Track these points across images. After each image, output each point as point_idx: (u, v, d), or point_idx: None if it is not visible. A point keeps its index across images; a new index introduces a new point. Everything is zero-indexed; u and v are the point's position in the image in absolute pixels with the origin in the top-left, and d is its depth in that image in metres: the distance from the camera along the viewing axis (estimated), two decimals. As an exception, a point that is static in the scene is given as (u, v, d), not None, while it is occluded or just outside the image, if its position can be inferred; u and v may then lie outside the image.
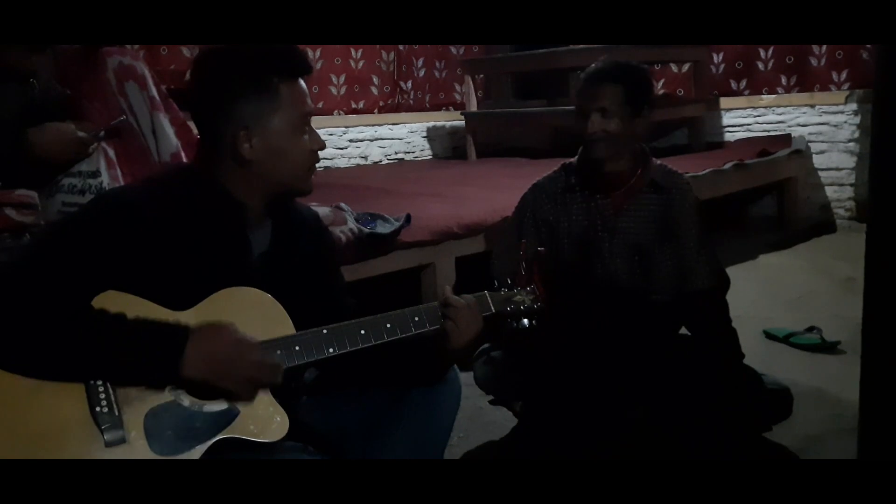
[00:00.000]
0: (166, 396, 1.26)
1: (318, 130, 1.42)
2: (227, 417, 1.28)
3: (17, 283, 1.22)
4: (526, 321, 1.56)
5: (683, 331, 2.21)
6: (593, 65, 2.09)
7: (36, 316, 1.20)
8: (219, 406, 1.28)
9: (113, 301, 1.26)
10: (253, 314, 1.34)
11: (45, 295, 1.21)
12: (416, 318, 1.44)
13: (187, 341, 1.23)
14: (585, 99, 2.04)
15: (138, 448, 1.23)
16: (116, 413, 1.23)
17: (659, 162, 2.16)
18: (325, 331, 1.37)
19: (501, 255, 2.26)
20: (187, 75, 1.43)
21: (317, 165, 1.44)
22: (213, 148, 1.37)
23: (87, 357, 1.22)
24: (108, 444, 1.21)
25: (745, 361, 2.16)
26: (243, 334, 1.28)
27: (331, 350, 1.36)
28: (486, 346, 2.21)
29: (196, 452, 1.25)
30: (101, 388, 1.23)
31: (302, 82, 1.39)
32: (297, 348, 1.34)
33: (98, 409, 1.22)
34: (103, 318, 1.22)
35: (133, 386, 1.25)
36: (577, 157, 2.15)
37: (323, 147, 1.43)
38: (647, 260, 2.10)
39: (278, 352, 1.33)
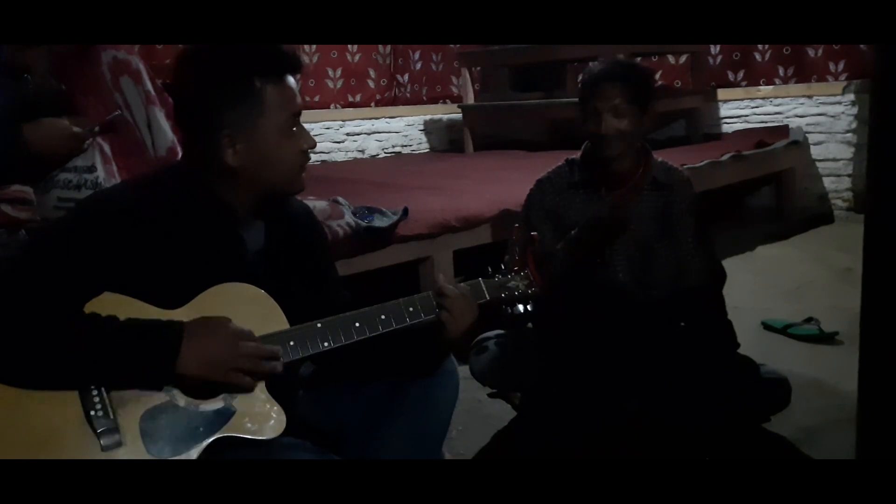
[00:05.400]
0: (161, 397, 1.26)
1: (314, 124, 1.41)
2: (224, 416, 1.27)
3: (6, 293, 1.21)
4: (521, 307, 1.55)
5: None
6: (596, 64, 2.12)
7: (28, 326, 1.19)
8: (215, 405, 1.28)
9: (106, 303, 1.25)
10: (246, 310, 1.32)
11: (36, 303, 1.20)
12: (411, 309, 1.43)
13: (182, 339, 1.21)
14: (596, 99, 2.05)
15: (135, 451, 1.22)
16: (112, 416, 1.22)
17: (660, 159, 2.19)
18: (319, 325, 1.36)
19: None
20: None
21: (313, 160, 1.43)
22: (197, 150, 1.34)
23: (82, 363, 1.20)
24: (105, 449, 1.20)
25: (744, 353, 2.17)
26: (237, 325, 1.27)
27: (326, 344, 1.35)
28: (481, 336, 2.21)
29: (193, 452, 1.24)
30: (94, 392, 1.23)
31: (290, 80, 1.33)
32: (291, 343, 1.33)
33: (93, 413, 1.21)
34: (95, 323, 1.21)
35: (130, 388, 1.23)
36: (581, 153, 2.18)
37: (313, 146, 1.38)
38: (647, 256, 2.11)
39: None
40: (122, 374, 1.22)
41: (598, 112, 2.04)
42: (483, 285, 1.52)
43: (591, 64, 2.15)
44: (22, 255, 1.37)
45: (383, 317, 1.40)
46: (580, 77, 2.16)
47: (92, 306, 1.23)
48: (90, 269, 1.24)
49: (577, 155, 2.19)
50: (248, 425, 1.28)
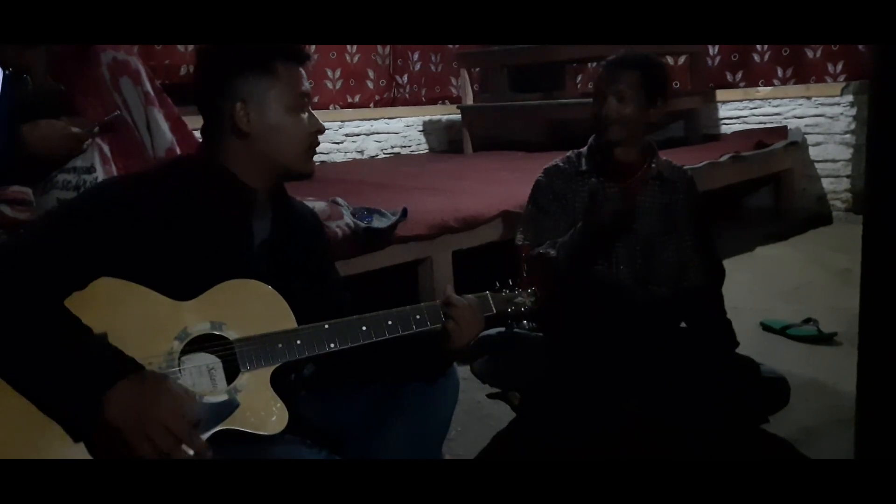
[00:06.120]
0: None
1: (314, 124, 1.43)
2: (228, 409, 1.28)
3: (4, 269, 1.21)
4: (525, 323, 1.58)
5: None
6: (614, 54, 2.14)
7: (16, 300, 1.18)
8: (219, 397, 1.29)
9: (113, 289, 1.25)
10: (255, 307, 1.34)
11: (33, 283, 1.20)
12: (418, 317, 1.45)
13: (121, 378, 1.16)
14: (603, 83, 2.08)
15: None
16: None
17: (665, 158, 2.19)
18: (326, 326, 1.37)
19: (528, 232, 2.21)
20: (183, 69, 1.44)
21: (316, 151, 1.45)
22: (214, 126, 1.40)
23: (32, 351, 1.17)
24: None
25: (743, 353, 2.17)
26: (177, 389, 1.20)
27: (332, 345, 1.37)
28: (483, 334, 2.21)
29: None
30: None
31: (300, 67, 1.42)
32: (298, 342, 1.35)
33: None
34: (67, 323, 1.19)
35: (45, 405, 1.18)
36: (587, 144, 2.19)
37: (322, 130, 1.44)
38: (649, 251, 2.11)
39: (279, 345, 1.33)
40: (51, 382, 1.17)
41: (604, 95, 2.06)
42: (491, 299, 1.55)
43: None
44: (27, 234, 1.36)
45: (390, 322, 1.42)
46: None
47: (101, 294, 1.24)
48: (92, 252, 1.25)
49: (583, 149, 2.21)
50: (252, 420, 1.29)
